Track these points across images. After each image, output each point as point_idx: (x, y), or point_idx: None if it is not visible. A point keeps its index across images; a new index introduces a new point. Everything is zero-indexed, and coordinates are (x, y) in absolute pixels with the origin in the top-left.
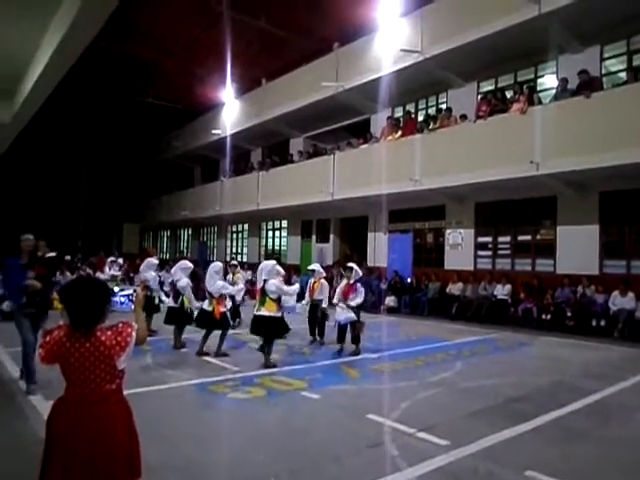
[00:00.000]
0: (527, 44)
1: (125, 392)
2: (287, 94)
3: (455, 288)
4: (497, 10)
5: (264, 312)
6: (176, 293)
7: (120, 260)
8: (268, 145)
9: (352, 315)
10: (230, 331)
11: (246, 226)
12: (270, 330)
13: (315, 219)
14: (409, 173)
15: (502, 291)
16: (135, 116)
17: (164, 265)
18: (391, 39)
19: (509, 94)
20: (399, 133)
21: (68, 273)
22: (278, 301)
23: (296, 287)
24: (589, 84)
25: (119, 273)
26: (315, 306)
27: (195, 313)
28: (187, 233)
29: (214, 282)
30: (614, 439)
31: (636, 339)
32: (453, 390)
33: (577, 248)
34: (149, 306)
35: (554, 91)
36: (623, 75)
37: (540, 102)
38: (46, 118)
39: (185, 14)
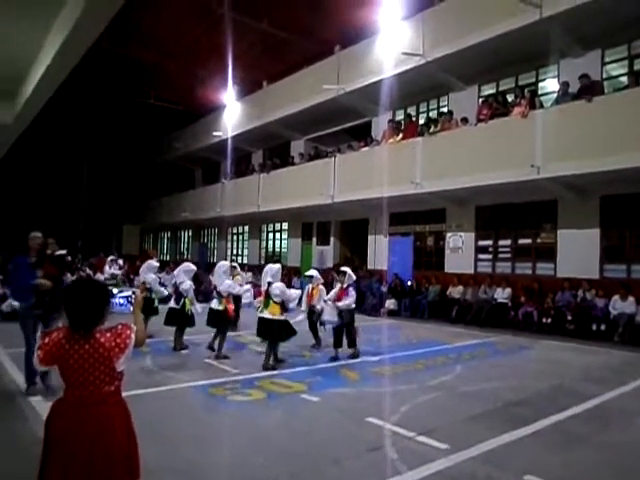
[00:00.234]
0: (528, 48)
1: (125, 394)
2: (288, 96)
3: (455, 291)
4: (499, 14)
5: (267, 315)
6: (178, 295)
7: (120, 260)
8: (269, 147)
9: (337, 320)
10: (231, 333)
11: (246, 228)
12: (273, 333)
13: (316, 221)
14: (410, 176)
15: (502, 294)
16: (136, 117)
17: (164, 267)
18: (392, 42)
19: (510, 98)
20: (400, 136)
21: (68, 274)
22: (282, 304)
23: (299, 292)
24: (590, 88)
25: (119, 272)
26: (314, 312)
27: (196, 316)
28: (187, 235)
29: (222, 281)
30: (614, 444)
31: (636, 343)
32: (453, 394)
33: (578, 252)
34: (147, 308)
35: (555, 95)
36: (624, 79)
37: (542, 106)
38: (48, 119)
39: (187, 16)
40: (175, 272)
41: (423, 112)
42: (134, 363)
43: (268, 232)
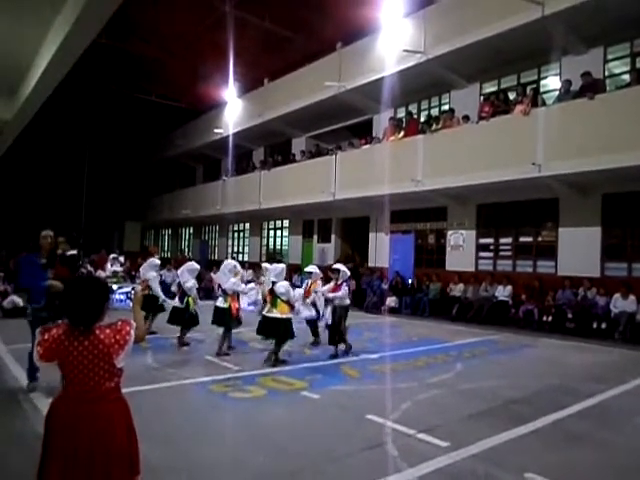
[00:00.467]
0: (530, 45)
1: (125, 390)
2: (290, 94)
3: (456, 289)
4: (501, 11)
5: (276, 314)
6: (182, 294)
7: (121, 258)
8: (270, 144)
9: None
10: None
11: (247, 225)
12: (283, 331)
13: (317, 219)
14: (411, 174)
15: (503, 292)
16: (138, 114)
17: (165, 264)
18: (394, 39)
19: (512, 95)
20: (402, 134)
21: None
22: (289, 303)
23: (301, 291)
24: (592, 86)
25: (121, 269)
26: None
27: (200, 314)
28: (188, 232)
29: (227, 280)
30: (614, 442)
31: (637, 342)
32: (453, 391)
33: (578, 250)
34: (153, 305)
35: (557, 93)
36: (626, 77)
37: (544, 104)
38: (49, 116)
39: (188, 13)
40: (179, 271)
41: (424, 110)
42: (135, 360)
43: (269, 229)
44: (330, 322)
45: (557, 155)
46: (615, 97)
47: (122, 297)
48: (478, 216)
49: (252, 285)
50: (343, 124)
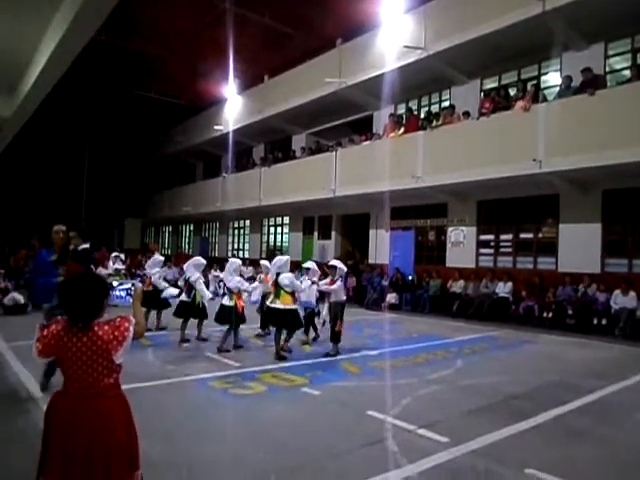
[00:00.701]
0: (531, 41)
1: (126, 387)
2: (290, 90)
3: (456, 286)
4: (501, 7)
5: (279, 305)
6: (189, 288)
7: (122, 255)
8: (270, 141)
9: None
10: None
11: (248, 222)
12: (287, 322)
13: (317, 216)
14: (411, 170)
15: (503, 289)
16: (138, 111)
17: (166, 262)
18: (394, 35)
19: (512, 92)
20: (402, 130)
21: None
22: (293, 294)
23: (307, 283)
24: (593, 82)
25: (123, 267)
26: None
27: (207, 306)
28: (189, 229)
29: (232, 278)
30: (614, 438)
31: (637, 338)
32: (454, 387)
33: (579, 246)
34: (158, 302)
35: (558, 89)
36: (627, 73)
37: (545, 99)
38: (48, 113)
39: (188, 10)
40: (185, 266)
41: (425, 106)
42: (136, 356)
43: (269, 226)
44: (327, 319)
45: (558, 151)
46: (616, 93)
47: (122, 294)
48: (478, 212)
49: (256, 284)
50: (343, 120)
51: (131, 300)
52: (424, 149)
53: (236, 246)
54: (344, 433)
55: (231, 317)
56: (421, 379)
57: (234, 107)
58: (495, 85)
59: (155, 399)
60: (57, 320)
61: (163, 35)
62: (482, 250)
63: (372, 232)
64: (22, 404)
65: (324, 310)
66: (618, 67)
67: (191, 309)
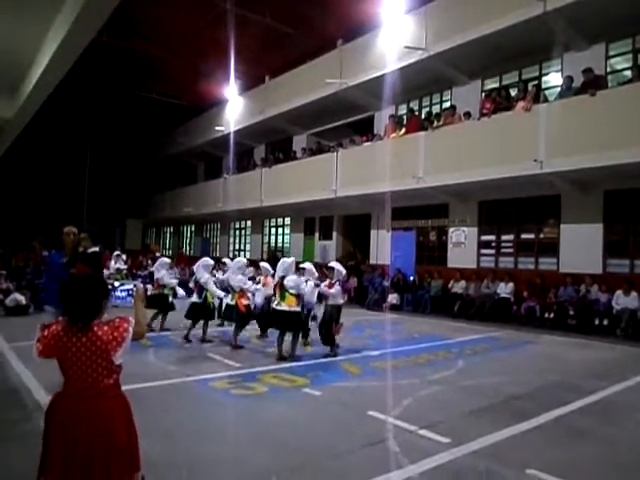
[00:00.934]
0: (532, 41)
1: (127, 387)
2: (291, 91)
3: (458, 286)
4: (502, 7)
5: (284, 307)
6: (200, 289)
7: (124, 256)
8: (271, 142)
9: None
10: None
11: (249, 223)
12: (292, 324)
13: (318, 216)
14: (412, 171)
15: (505, 289)
16: (139, 112)
17: None
18: (395, 36)
19: (513, 92)
20: (403, 130)
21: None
22: (298, 296)
23: (311, 284)
24: (594, 82)
25: (124, 267)
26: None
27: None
28: (190, 229)
29: (235, 277)
30: (616, 438)
31: (639, 338)
32: (455, 388)
33: (580, 247)
34: (163, 304)
35: (559, 89)
36: (628, 73)
37: (546, 100)
38: (50, 114)
39: (189, 11)
40: (194, 267)
41: (426, 106)
42: (137, 357)
43: (270, 227)
44: (320, 321)
45: (559, 152)
46: (617, 93)
47: (123, 294)
48: (480, 213)
49: (259, 286)
50: (344, 121)
51: (132, 301)
52: (425, 150)
53: (237, 247)
54: (345, 433)
55: (232, 315)
56: (422, 380)
57: (235, 108)
58: (496, 85)
59: (156, 399)
60: (58, 320)
61: (164, 36)
62: (483, 250)
63: (373, 232)
64: (23, 404)
65: (319, 312)
66: (619, 67)
67: (203, 310)
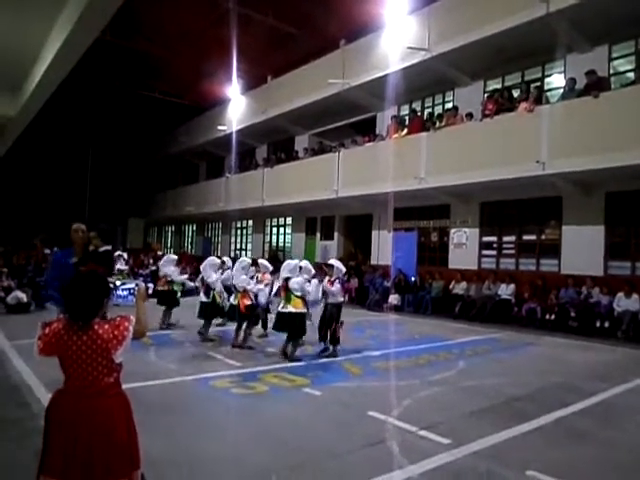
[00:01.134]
0: (535, 43)
1: (128, 386)
2: (293, 91)
3: (459, 287)
4: (505, 9)
5: (291, 309)
6: (207, 288)
7: (125, 255)
8: (273, 142)
9: (320, 297)
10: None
11: (250, 222)
12: (296, 326)
13: (319, 216)
14: (414, 171)
15: (506, 291)
16: (141, 111)
17: None
18: (398, 37)
19: (516, 93)
20: (405, 131)
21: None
22: (303, 298)
23: (315, 282)
24: (597, 84)
25: (126, 267)
26: None
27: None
28: (191, 229)
29: (239, 276)
30: (616, 440)
31: None
32: (455, 389)
33: (582, 248)
34: (170, 300)
35: (561, 91)
36: (631, 75)
37: (548, 101)
38: (52, 112)
39: (192, 10)
40: (201, 266)
41: (428, 107)
42: (138, 355)
43: (272, 227)
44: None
45: (561, 153)
46: (620, 95)
47: (125, 293)
48: (481, 214)
49: (261, 286)
50: (346, 121)
51: (134, 300)
52: (427, 150)
53: (239, 246)
54: (345, 433)
55: (235, 314)
56: (423, 380)
57: (237, 107)
58: (498, 87)
59: (157, 398)
60: (59, 318)
61: (167, 35)
62: (485, 252)
63: (375, 233)
64: (24, 402)
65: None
66: (622, 69)
67: (213, 309)
